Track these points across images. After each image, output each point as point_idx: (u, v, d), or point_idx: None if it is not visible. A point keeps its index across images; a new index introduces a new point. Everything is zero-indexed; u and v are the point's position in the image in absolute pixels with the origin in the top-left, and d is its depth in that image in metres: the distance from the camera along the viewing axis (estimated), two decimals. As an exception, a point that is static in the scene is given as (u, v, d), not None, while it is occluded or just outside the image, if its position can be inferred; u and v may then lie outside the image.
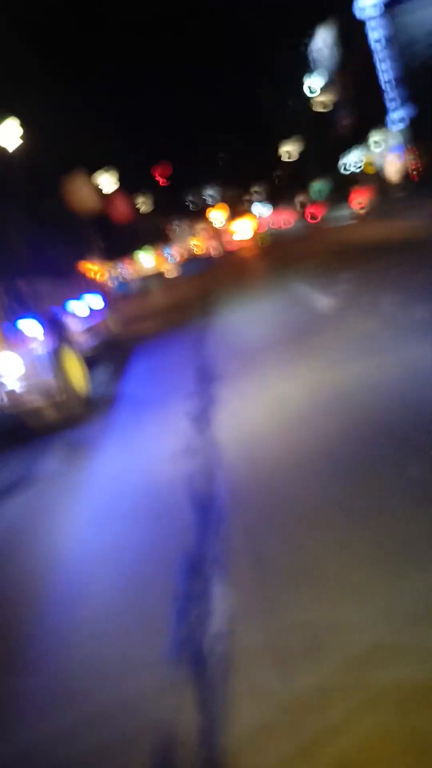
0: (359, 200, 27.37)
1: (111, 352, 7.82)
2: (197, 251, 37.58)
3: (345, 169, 35.12)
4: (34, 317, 4.81)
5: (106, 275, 9.35)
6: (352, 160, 33.98)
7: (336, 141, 35.04)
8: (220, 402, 4.31)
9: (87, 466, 4.09)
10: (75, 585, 2.45)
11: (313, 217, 31.70)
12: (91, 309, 7.01)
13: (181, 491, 2.94)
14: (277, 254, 19.83)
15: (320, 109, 36.53)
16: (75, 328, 6.02)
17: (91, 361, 6.62)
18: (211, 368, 5.46)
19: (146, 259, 33.78)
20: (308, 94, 38.51)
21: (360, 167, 32.15)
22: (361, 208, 26.10)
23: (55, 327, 5.17)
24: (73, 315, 6.15)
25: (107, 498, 3.39)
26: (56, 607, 2.32)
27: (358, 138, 31.92)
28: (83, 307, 6.58)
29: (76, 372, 5.31)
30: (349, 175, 34.00)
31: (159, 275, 27.86)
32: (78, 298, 6.53)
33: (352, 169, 34.23)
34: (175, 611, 1.90)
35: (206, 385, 4.88)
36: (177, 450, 3.66)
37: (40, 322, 4.82)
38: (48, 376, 4.75)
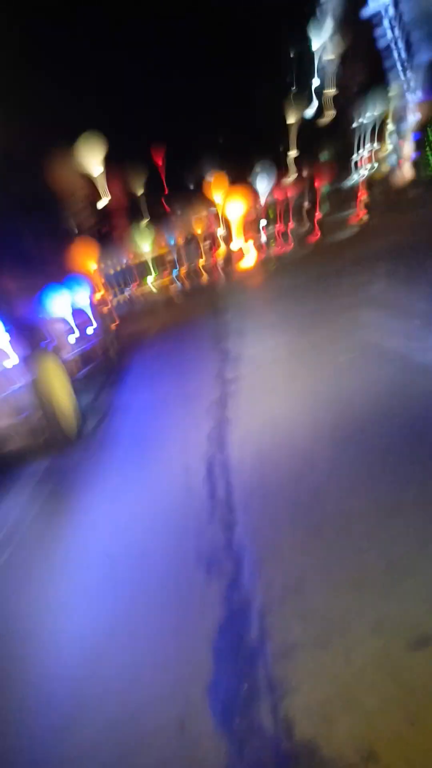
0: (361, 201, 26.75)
1: (105, 372, 7.20)
2: (203, 275, 36.14)
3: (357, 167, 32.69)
4: None
5: (105, 292, 8.75)
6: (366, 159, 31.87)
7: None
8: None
9: (66, 517, 3.39)
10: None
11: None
12: (84, 330, 6.40)
13: (185, 567, 2.22)
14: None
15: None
16: (62, 337, 5.40)
17: (82, 381, 5.99)
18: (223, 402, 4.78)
19: (152, 283, 32.73)
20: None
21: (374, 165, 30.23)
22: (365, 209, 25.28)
23: (30, 331, 4.52)
24: (58, 317, 5.54)
25: (88, 574, 2.68)
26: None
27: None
28: (70, 306, 6.00)
29: (59, 388, 4.65)
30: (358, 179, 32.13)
31: (167, 299, 27.24)
32: (63, 292, 5.94)
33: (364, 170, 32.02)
34: None
35: (214, 416, 4.19)
36: (180, 500, 2.97)
37: (5, 325, 4.16)
38: (20, 394, 4.09)
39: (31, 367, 4.18)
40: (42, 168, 6.87)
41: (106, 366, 7.38)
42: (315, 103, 35.96)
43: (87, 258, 7.38)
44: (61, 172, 7.36)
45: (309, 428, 3.05)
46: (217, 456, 3.19)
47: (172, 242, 33.24)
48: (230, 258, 26.01)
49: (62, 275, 6.22)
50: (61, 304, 5.63)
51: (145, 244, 32.62)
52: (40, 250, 5.82)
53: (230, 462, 3.06)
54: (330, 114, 33.60)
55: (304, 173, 32.63)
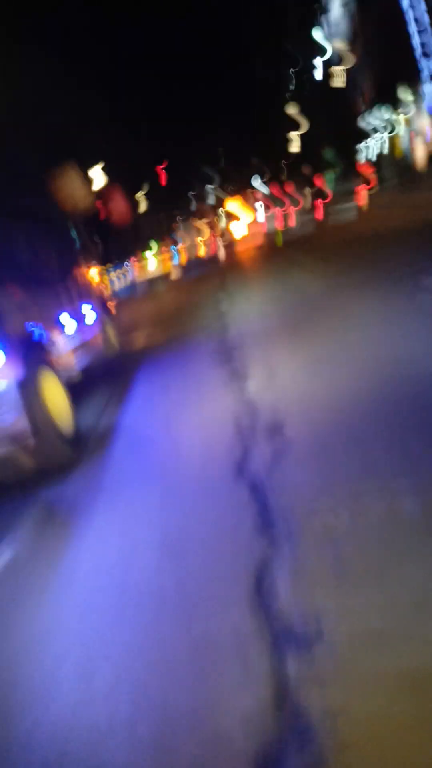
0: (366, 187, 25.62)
1: (108, 373, 6.63)
2: (201, 252, 35.34)
3: (367, 143, 30.73)
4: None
5: (103, 279, 8.17)
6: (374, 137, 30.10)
7: (352, 113, 31.01)
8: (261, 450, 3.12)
9: (65, 547, 2.91)
10: None
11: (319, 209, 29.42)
12: (82, 321, 5.85)
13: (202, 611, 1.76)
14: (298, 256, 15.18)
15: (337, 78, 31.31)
16: (59, 348, 4.86)
17: (81, 387, 5.45)
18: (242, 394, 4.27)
19: (152, 259, 32.26)
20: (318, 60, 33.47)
21: (382, 143, 28.56)
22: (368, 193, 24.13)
23: (28, 349, 4.00)
24: (58, 332, 4.98)
25: (90, 613, 2.23)
26: None
27: (383, 100, 28.17)
28: (71, 321, 5.41)
29: (57, 405, 4.14)
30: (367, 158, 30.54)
31: (164, 277, 26.39)
32: (65, 311, 5.37)
33: (374, 145, 30.15)
34: None
35: (240, 422, 3.69)
36: (192, 531, 2.51)
37: (2, 344, 3.65)
38: (15, 414, 3.58)
39: (27, 386, 3.67)
40: (49, 183, 6.34)
41: (108, 355, 6.85)
42: (322, 67, 33.45)
43: (88, 266, 6.84)
44: (58, 180, 6.82)
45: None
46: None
47: (177, 246, 32.42)
48: (231, 236, 24.85)
49: (71, 290, 5.70)
50: (59, 308, 5.12)
51: (150, 253, 32.15)
52: (47, 264, 5.30)
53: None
54: (339, 79, 31.16)
55: (305, 170, 31.06)
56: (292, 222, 26.25)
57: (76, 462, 3.99)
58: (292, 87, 38.37)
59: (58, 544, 2.99)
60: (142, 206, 36.60)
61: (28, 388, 3.68)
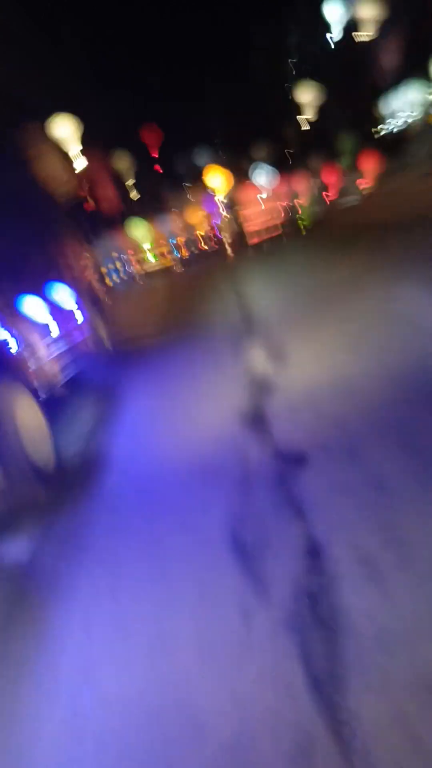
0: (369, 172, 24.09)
1: (98, 382, 5.78)
2: (202, 243, 33.70)
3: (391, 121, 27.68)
4: None
5: (96, 272, 7.29)
6: (401, 109, 27.61)
7: (374, 84, 28.01)
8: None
9: (36, 642, 2.11)
10: None
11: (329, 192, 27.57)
12: (67, 321, 5.02)
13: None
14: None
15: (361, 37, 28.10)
16: (38, 355, 4.03)
17: (64, 400, 4.62)
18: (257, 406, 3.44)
19: (146, 244, 30.69)
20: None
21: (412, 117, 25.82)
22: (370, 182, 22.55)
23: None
24: (36, 335, 4.14)
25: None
26: None
27: (410, 74, 24.65)
28: (53, 321, 4.56)
29: (32, 434, 3.31)
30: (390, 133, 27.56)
31: (166, 270, 25.29)
32: (46, 309, 4.53)
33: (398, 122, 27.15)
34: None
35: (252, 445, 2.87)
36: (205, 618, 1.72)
37: None
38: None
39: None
40: (8, 149, 5.37)
41: (98, 359, 6.01)
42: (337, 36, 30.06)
43: (72, 250, 5.92)
44: (33, 152, 5.87)
45: None
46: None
47: (172, 240, 30.91)
48: (237, 226, 22.23)
49: (40, 273, 4.78)
50: (37, 305, 4.24)
51: (140, 234, 30.48)
52: (9, 247, 4.37)
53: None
54: (361, 43, 27.60)
55: (313, 163, 28.52)
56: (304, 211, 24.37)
57: (55, 505, 3.17)
58: (295, 64, 34.95)
59: (28, 637, 2.18)
60: (133, 194, 34.90)
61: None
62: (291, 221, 20.94)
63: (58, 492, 3.26)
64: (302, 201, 23.18)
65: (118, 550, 2.58)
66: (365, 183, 23.84)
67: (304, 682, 1.52)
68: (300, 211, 21.54)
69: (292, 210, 21.88)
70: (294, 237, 17.67)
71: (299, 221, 19.89)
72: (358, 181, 23.88)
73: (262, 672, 1.62)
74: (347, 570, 1.86)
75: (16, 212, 4.89)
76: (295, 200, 23.23)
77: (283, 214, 21.45)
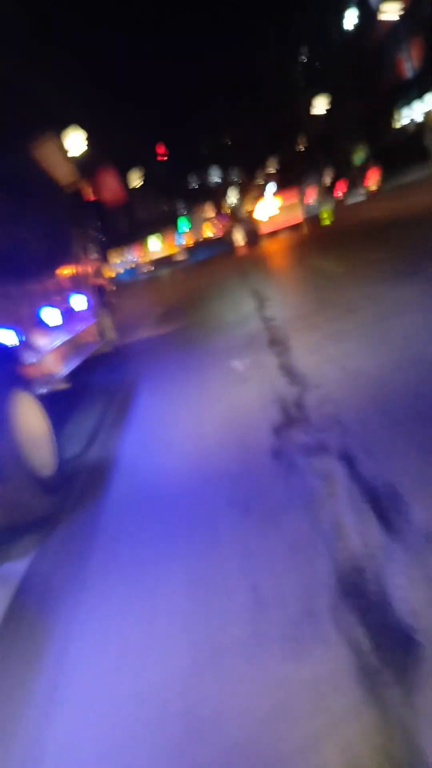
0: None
1: (103, 376, 5.48)
2: (211, 234, 33.27)
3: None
4: None
5: (100, 262, 6.98)
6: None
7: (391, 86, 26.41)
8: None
9: (36, 664, 1.84)
10: None
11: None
12: (70, 311, 4.73)
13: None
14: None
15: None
16: (39, 348, 3.73)
17: (67, 397, 4.33)
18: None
19: (155, 244, 30.83)
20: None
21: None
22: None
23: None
24: (37, 327, 3.85)
25: None
26: None
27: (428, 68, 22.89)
28: (55, 311, 4.26)
29: (33, 438, 3.02)
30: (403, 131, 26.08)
31: (169, 259, 24.86)
32: (48, 299, 4.24)
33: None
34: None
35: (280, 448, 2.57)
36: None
37: None
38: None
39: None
40: (22, 152, 5.08)
41: (103, 352, 5.73)
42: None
43: (76, 239, 5.64)
44: (42, 154, 5.59)
45: None
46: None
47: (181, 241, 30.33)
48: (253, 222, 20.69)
49: (42, 258, 4.48)
50: (37, 291, 3.95)
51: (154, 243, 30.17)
52: (9, 237, 4.05)
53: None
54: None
55: (324, 176, 26.84)
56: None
57: (57, 514, 2.89)
58: (305, 58, 33.79)
59: (28, 655, 1.92)
60: (137, 184, 34.44)
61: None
62: (310, 219, 19.77)
63: (59, 500, 2.98)
64: (317, 198, 22.13)
65: (125, 562, 2.30)
66: (374, 180, 23.41)
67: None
68: (317, 209, 20.46)
69: (309, 208, 20.95)
70: (314, 232, 16.41)
71: (320, 217, 18.73)
72: (367, 178, 23.42)
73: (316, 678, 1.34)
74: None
75: (19, 198, 4.59)
76: (311, 199, 22.33)
77: (300, 214, 20.28)
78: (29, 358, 3.45)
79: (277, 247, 15.48)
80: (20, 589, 2.42)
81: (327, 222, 17.50)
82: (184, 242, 31.20)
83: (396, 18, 25.11)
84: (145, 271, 24.18)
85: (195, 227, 35.83)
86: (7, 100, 5.74)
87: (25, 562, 2.57)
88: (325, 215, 17.94)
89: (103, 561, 2.41)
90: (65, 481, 3.24)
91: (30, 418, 3.08)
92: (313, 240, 14.31)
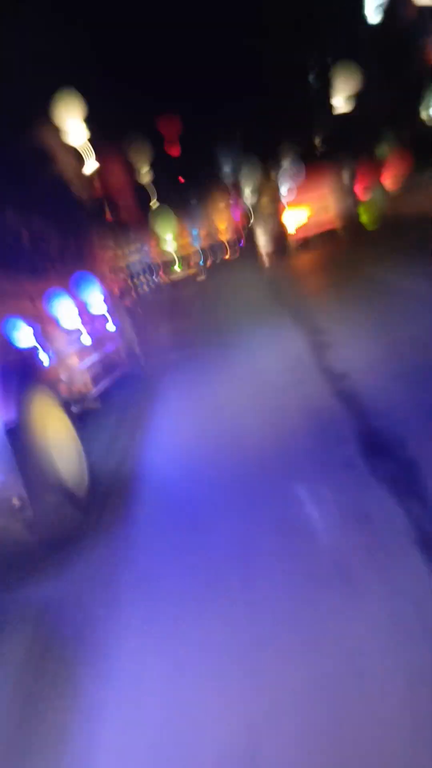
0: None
1: (127, 391, 5.47)
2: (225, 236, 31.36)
3: None
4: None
5: (123, 278, 7.01)
6: None
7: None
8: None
9: (66, 713, 1.78)
10: None
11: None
12: (99, 326, 4.74)
13: None
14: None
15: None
16: (69, 366, 3.74)
17: (95, 417, 4.32)
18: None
19: (169, 242, 29.91)
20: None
21: None
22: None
23: (21, 375, 2.87)
24: (65, 341, 3.86)
25: None
26: None
27: None
28: (83, 326, 4.28)
29: (63, 453, 3.01)
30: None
31: (191, 279, 24.79)
32: (76, 311, 4.25)
33: None
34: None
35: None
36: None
37: None
38: (2, 475, 2.46)
39: (17, 432, 2.54)
40: (32, 142, 5.14)
41: (131, 373, 5.72)
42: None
43: (98, 248, 5.64)
44: (52, 144, 5.67)
45: None
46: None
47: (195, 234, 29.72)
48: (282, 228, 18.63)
49: (66, 274, 4.49)
50: (66, 309, 3.95)
51: (166, 232, 29.57)
52: (34, 244, 4.09)
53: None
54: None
55: (344, 171, 24.97)
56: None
57: (90, 534, 2.84)
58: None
59: (59, 698, 1.86)
60: (149, 191, 33.90)
61: (20, 436, 2.55)
62: (349, 219, 17.09)
63: (92, 519, 2.94)
64: (359, 196, 19.94)
65: (165, 585, 2.24)
66: (397, 178, 22.24)
67: None
68: (359, 207, 18.11)
69: (348, 206, 18.59)
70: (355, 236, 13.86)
71: (361, 215, 16.32)
72: (389, 175, 22.42)
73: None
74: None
75: (43, 213, 4.64)
76: (349, 196, 20.23)
77: (336, 213, 17.57)
78: (60, 375, 3.45)
79: (314, 255, 13.30)
80: (51, 614, 2.38)
81: (370, 225, 15.04)
82: (204, 262, 30.68)
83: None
84: (163, 285, 24.15)
85: (206, 224, 33.86)
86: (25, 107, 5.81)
87: (58, 584, 2.53)
88: (366, 215, 15.37)
89: (139, 580, 2.36)
90: (97, 496, 3.21)
91: (61, 435, 3.06)
92: (360, 243, 12.04)
